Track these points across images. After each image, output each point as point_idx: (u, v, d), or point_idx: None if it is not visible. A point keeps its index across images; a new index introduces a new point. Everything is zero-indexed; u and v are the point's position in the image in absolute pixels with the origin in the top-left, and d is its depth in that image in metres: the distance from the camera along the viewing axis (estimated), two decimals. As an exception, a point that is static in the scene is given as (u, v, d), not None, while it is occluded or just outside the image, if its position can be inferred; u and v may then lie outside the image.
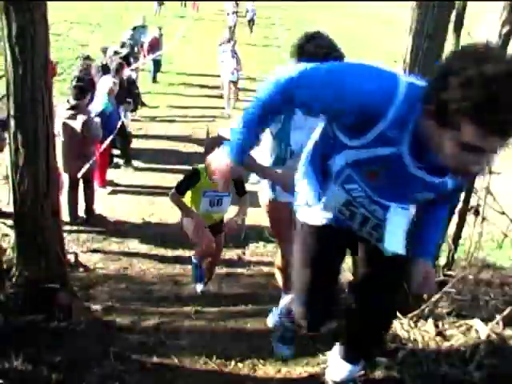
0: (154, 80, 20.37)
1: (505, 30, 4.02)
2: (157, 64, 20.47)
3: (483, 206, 4.92)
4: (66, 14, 23.86)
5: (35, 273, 4.80)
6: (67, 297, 5.06)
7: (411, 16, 4.48)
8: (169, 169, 11.81)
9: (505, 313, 4.23)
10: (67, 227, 8.92)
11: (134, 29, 20.39)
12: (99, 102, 10.40)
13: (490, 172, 5.26)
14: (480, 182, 5.12)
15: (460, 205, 4.95)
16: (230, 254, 8.29)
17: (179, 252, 8.58)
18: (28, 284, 4.81)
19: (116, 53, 15.28)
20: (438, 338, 4.32)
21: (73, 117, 9.00)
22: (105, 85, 10.89)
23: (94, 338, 4.70)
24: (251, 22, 29.98)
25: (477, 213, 4.86)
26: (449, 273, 5.19)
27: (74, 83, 9.71)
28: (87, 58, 13.58)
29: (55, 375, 4.02)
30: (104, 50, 14.46)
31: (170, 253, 8.65)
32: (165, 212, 9.86)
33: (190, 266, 7.84)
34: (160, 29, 20.93)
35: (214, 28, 27.92)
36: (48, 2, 4.41)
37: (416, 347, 4.23)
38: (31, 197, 4.64)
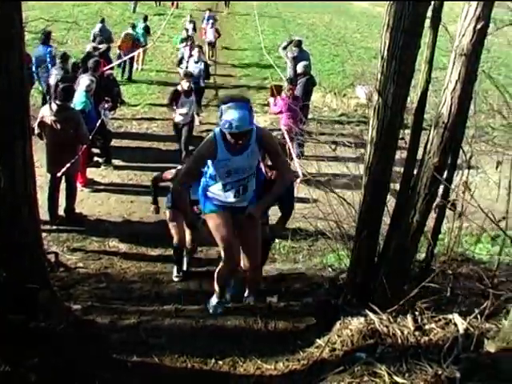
0: (130, 78, 20.25)
1: (479, 26, 4.04)
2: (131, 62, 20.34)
3: (462, 200, 4.95)
4: (42, 12, 23.64)
5: (14, 273, 4.75)
6: (47, 297, 5.02)
7: (388, 12, 4.49)
8: (149, 167, 11.75)
9: (483, 306, 4.26)
10: (47, 227, 8.87)
11: (103, 21, 20.32)
12: (78, 100, 10.32)
13: (469, 167, 5.31)
14: (459, 177, 5.16)
15: (438, 199, 4.97)
16: (210, 252, 8.27)
17: (160, 250, 8.57)
18: (7, 284, 4.76)
19: (95, 49, 15.18)
20: (417, 333, 4.34)
21: (61, 117, 8.94)
22: (83, 83, 10.80)
23: (74, 338, 4.67)
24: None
25: (453, 207, 4.89)
26: (428, 267, 5.22)
27: (59, 85, 9.66)
28: (64, 55, 13.42)
29: (34, 376, 3.99)
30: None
31: (150, 251, 8.64)
32: (145, 210, 9.85)
33: (172, 265, 7.86)
34: (134, 26, 20.77)
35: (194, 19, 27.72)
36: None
37: (395, 342, 4.24)
38: (9, 197, 4.59)
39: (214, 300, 5.91)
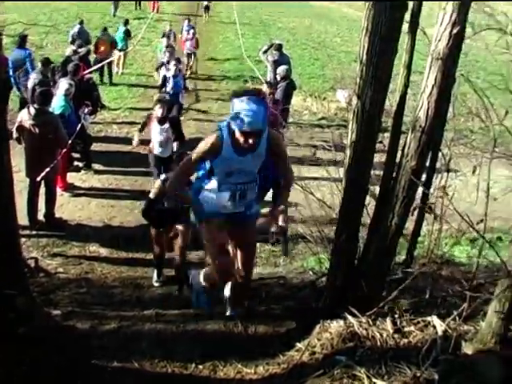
0: (111, 82, 20.26)
1: (455, 31, 4.09)
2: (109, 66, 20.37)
3: (441, 203, 4.99)
4: (21, 16, 23.48)
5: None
6: (26, 303, 4.99)
7: (366, 17, 4.52)
8: (129, 171, 11.74)
9: (461, 309, 4.29)
10: (27, 232, 8.83)
11: (81, 23, 20.37)
12: (57, 104, 10.26)
13: (448, 170, 5.36)
14: (438, 180, 5.21)
15: (417, 203, 5.01)
16: (191, 256, 8.26)
17: (140, 255, 8.55)
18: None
19: (75, 52, 15.10)
20: (396, 336, 4.37)
21: (39, 121, 8.90)
22: (62, 87, 10.74)
23: (53, 344, 4.65)
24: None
25: (430, 210, 4.93)
26: (407, 270, 5.25)
27: (36, 88, 9.61)
28: (46, 60, 13.30)
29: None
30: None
31: (131, 255, 8.61)
32: (126, 215, 9.82)
33: (151, 269, 7.85)
34: (105, 29, 20.68)
35: (174, 27, 27.59)
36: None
37: (374, 345, 4.27)
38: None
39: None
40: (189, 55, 22.18)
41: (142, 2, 36.21)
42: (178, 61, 15.64)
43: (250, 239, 5.33)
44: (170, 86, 14.38)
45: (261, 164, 4.96)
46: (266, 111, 4.68)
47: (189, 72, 21.50)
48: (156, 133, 10.04)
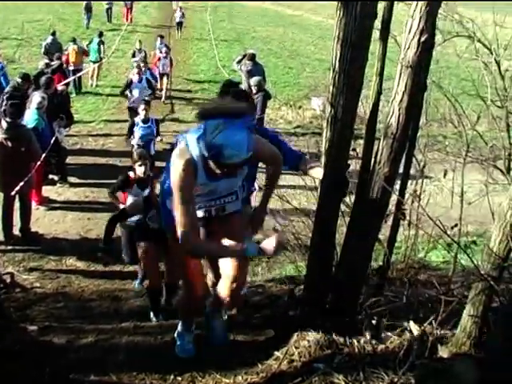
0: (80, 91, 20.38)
1: (423, 38, 4.12)
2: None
3: (412, 209, 5.04)
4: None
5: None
6: (2, 318, 4.97)
7: (337, 25, 4.55)
8: (105, 184, 11.62)
9: (437, 313, 4.33)
10: (2, 247, 8.77)
11: (54, 34, 20.38)
12: (30, 118, 10.19)
13: (422, 175, 5.41)
14: (412, 187, 5.25)
15: (392, 209, 5.04)
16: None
17: (118, 267, 8.50)
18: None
19: (48, 65, 15.01)
20: (374, 341, 4.40)
21: (12, 135, 8.84)
22: (34, 101, 10.68)
23: (29, 359, 4.61)
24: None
25: (403, 216, 4.96)
26: (384, 276, 5.28)
27: (8, 101, 9.55)
28: (25, 75, 13.08)
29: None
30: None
31: (108, 268, 8.56)
32: (102, 227, 9.77)
33: (130, 282, 7.80)
34: (74, 40, 20.61)
35: (147, 40, 27.60)
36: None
37: (352, 351, 4.29)
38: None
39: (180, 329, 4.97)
40: (162, 76, 20.79)
41: (112, 16, 36.15)
42: (148, 103, 13.18)
43: (238, 234, 4.40)
44: (138, 134, 12.16)
45: (244, 176, 4.24)
46: (251, 132, 3.69)
47: (163, 98, 20.62)
48: (133, 197, 7.44)
